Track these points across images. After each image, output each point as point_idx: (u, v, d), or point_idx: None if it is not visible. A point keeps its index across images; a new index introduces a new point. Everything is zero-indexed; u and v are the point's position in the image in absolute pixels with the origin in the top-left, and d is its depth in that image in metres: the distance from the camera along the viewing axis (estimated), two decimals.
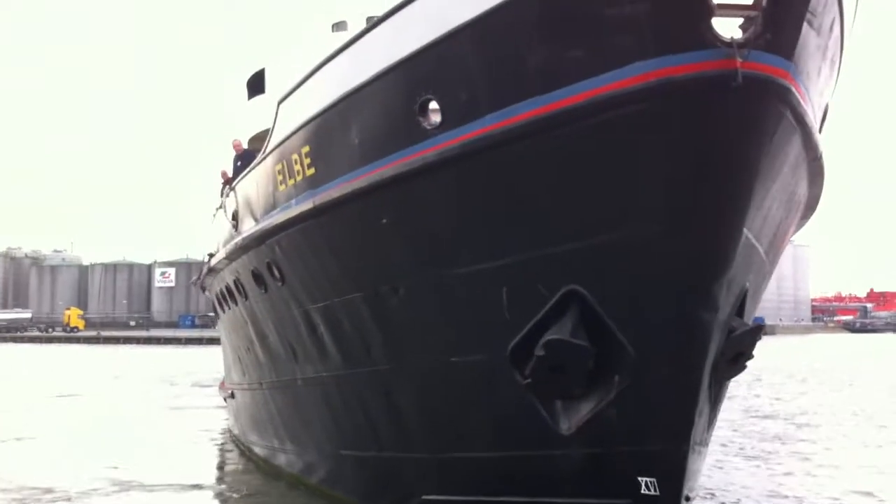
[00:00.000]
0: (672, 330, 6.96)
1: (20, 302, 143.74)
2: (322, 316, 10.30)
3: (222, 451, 20.05)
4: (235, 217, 12.20)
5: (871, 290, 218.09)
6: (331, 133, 8.73)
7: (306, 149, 9.10)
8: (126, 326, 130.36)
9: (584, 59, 6.51)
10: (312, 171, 9.10)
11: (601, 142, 6.65)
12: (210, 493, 14.32)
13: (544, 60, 6.70)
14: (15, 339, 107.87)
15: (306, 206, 9.22)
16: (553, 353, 7.16)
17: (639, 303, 6.99)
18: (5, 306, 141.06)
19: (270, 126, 10.29)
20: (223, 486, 15.66)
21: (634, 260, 6.89)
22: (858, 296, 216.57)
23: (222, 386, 25.10)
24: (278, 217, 10.07)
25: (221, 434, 23.40)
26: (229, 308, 14.83)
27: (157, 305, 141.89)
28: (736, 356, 7.61)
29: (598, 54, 6.46)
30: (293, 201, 9.64)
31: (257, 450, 16.78)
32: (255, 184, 11.05)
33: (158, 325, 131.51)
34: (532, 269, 7.34)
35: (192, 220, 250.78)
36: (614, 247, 6.90)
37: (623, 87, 6.35)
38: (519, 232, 7.34)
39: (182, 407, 29.38)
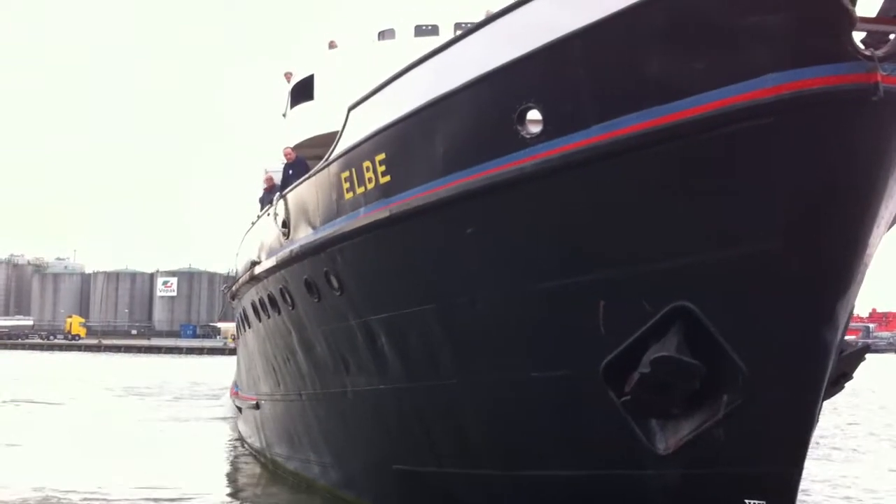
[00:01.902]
0: (794, 350, 6.75)
1: (22, 309, 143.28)
2: (384, 327, 10.08)
3: (237, 462, 19.85)
4: (286, 225, 11.98)
5: (874, 310, 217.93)
6: (412, 140, 8.54)
7: (381, 156, 8.90)
8: (127, 335, 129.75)
9: (710, 70, 6.35)
10: (387, 178, 8.89)
11: (723, 155, 6.47)
12: None
13: (665, 70, 6.53)
14: (16, 346, 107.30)
15: (380, 214, 9.00)
16: (661, 370, 6.95)
17: (757, 321, 6.78)
18: (7, 313, 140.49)
19: (338, 132, 10.12)
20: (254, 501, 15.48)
21: (754, 277, 6.68)
22: (861, 316, 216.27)
23: (234, 394, 24.90)
24: (343, 225, 9.86)
25: (229, 444, 23.21)
26: (268, 317, 14.60)
27: (159, 314, 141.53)
28: (838, 377, 7.42)
29: (726, 65, 6.30)
30: (362, 210, 9.44)
31: (285, 462, 16.55)
32: (314, 191, 10.84)
33: (159, 334, 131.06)
34: (636, 283, 7.14)
35: (194, 230, 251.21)
36: (732, 263, 6.70)
37: (753, 98, 6.19)
38: (622, 246, 7.15)
39: (185, 419, 29.25)
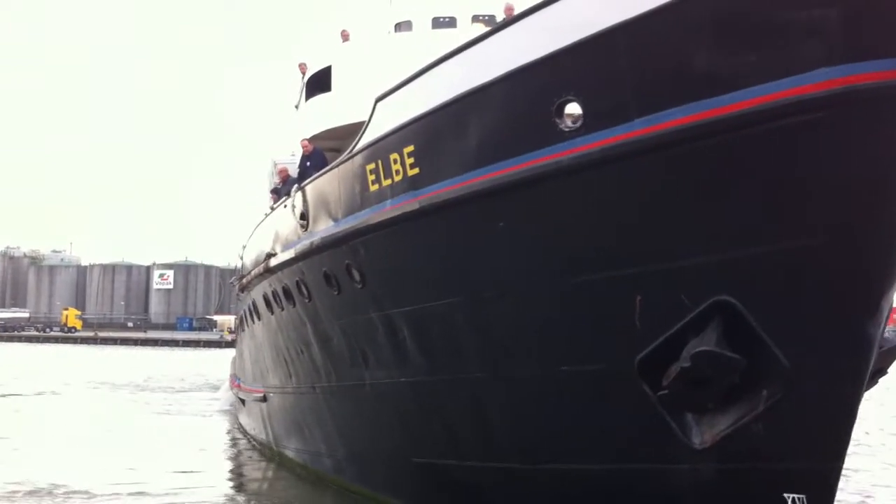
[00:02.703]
0: (837, 344, 6.72)
1: (18, 301, 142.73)
2: (407, 320, 10.03)
3: (241, 455, 19.79)
4: (305, 217, 11.91)
5: None
6: (444, 132, 8.48)
7: (410, 148, 8.84)
8: (123, 328, 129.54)
9: (759, 64, 6.32)
10: (416, 171, 8.83)
11: (770, 149, 6.43)
12: None
13: (712, 63, 6.48)
14: (12, 339, 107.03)
15: (409, 206, 8.95)
16: (702, 364, 6.92)
17: (801, 316, 6.75)
18: (3, 306, 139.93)
19: (356, 123, 10.03)
20: (265, 495, 15.43)
21: (798, 272, 6.65)
22: None
23: (237, 386, 24.78)
24: (367, 217, 9.80)
25: (230, 437, 23.14)
26: (281, 309, 14.52)
27: (155, 307, 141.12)
28: (873, 372, 7.40)
29: (776, 59, 6.27)
30: (388, 202, 9.38)
31: (293, 455, 16.50)
32: (336, 183, 10.77)
33: (156, 326, 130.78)
34: (676, 278, 7.10)
35: (191, 222, 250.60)
36: (776, 258, 6.66)
37: (803, 93, 6.17)
38: (662, 240, 7.11)
39: (183, 412, 29.15)
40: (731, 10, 6.40)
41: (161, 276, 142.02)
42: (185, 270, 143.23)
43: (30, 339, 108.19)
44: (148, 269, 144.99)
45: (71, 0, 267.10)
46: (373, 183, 9.62)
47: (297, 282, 12.72)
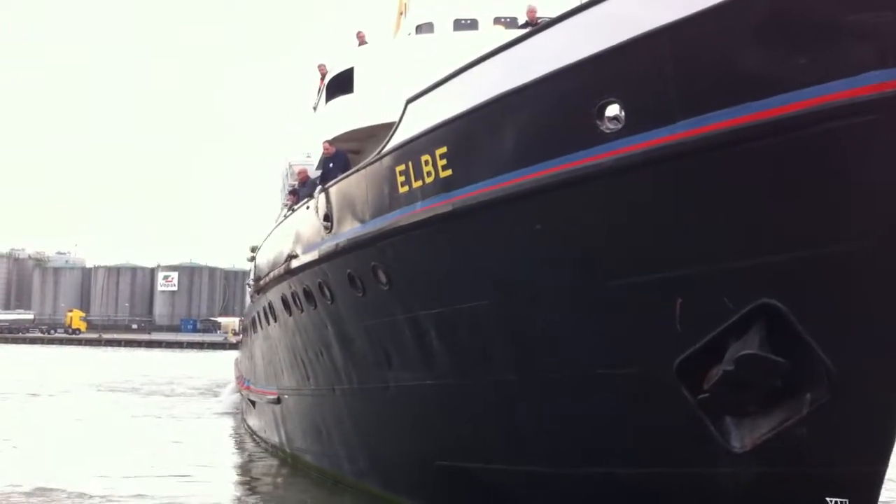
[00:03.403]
0: (884, 347, 6.67)
1: (23, 303, 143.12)
2: (436, 322, 9.99)
3: (252, 457, 19.74)
4: (329, 219, 11.88)
5: None
6: (479, 134, 8.44)
7: (442, 149, 8.81)
8: (128, 329, 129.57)
9: (809, 66, 6.28)
10: (449, 172, 8.80)
11: (819, 152, 6.39)
12: None
13: (761, 65, 6.45)
14: (16, 340, 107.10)
15: (441, 208, 8.91)
16: (746, 368, 6.88)
17: (847, 319, 6.71)
18: (8, 307, 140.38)
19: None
20: (279, 498, 15.39)
21: (845, 275, 6.62)
22: None
23: (247, 388, 24.69)
24: (396, 219, 9.77)
25: (238, 439, 23.07)
26: (301, 311, 14.49)
27: (160, 309, 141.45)
28: None
29: (827, 61, 6.24)
30: (418, 203, 9.35)
31: (309, 457, 16.45)
32: (362, 184, 10.74)
33: (160, 328, 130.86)
34: (719, 281, 7.07)
35: (195, 224, 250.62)
36: (823, 261, 6.63)
37: (854, 96, 6.14)
38: (705, 242, 7.07)
39: (188, 414, 29.04)
40: (781, 12, 6.37)
41: (165, 277, 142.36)
42: (189, 272, 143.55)
43: (34, 341, 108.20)
44: (152, 271, 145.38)
45: (71, 0, 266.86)
46: (402, 184, 9.58)
47: (320, 283, 12.67)
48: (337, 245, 11.49)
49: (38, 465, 16.71)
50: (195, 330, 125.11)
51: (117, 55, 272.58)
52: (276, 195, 27.64)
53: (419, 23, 15.32)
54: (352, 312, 12.07)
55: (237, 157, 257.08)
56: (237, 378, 32.51)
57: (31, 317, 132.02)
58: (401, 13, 23.02)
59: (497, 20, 14.72)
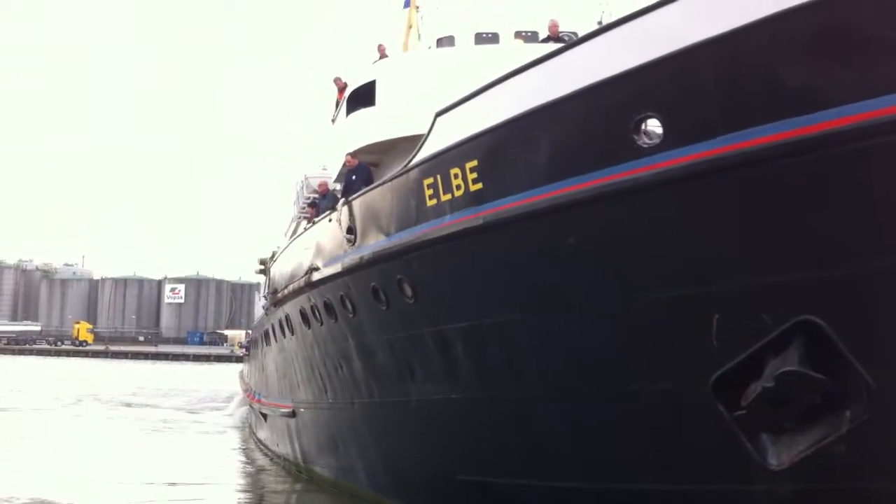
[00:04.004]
0: None
1: (30, 314, 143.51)
2: (463, 335, 9.95)
3: (264, 471, 19.67)
4: (352, 231, 11.88)
5: None
6: (511, 147, 8.42)
7: (473, 163, 8.79)
8: (135, 341, 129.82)
9: (854, 82, 6.26)
10: (479, 186, 8.78)
11: (862, 168, 6.38)
12: None
13: (805, 80, 6.43)
14: (23, 352, 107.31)
15: (471, 221, 8.88)
16: (787, 385, 6.84)
17: (889, 336, 6.66)
18: (15, 318, 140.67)
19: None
20: None
21: (887, 291, 6.57)
22: None
23: (258, 401, 24.60)
24: (424, 232, 9.74)
25: (248, 452, 22.99)
26: (320, 324, 14.46)
27: (166, 321, 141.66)
28: None
29: (872, 77, 6.21)
30: (447, 217, 9.33)
31: (325, 471, 16.38)
32: (388, 197, 10.73)
33: (167, 340, 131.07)
34: (757, 297, 7.02)
35: (201, 235, 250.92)
36: (865, 277, 6.59)
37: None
38: (745, 258, 7.03)
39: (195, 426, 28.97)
40: (826, 28, 6.34)
41: (172, 290, 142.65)
42: (196, 285, 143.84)
43: (41, 353, 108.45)
44: (159, 283, 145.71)
45: (71, 0, 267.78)
46: (430, 198, 9.56)
47: (342, 296, 12.64)
48: (361, 258, 11.47)
49: (41, 478, 16.67)
50: (202, 342, 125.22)
51: (117, 55, 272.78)
52: (289, 206, 27.64)
53: (440, 36, 15.38)
54: (375, 326, 12.03)
55: (237, 158, 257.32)
56: (245, 391, 32.42)
57: (38, 328, 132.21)
58: (410, 26, 23.16)
59: (518, 34, 14.78)
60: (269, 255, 34.05)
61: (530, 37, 14.61)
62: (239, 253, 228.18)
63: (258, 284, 51.71)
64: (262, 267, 35.87)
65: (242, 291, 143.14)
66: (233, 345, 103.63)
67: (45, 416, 31.07)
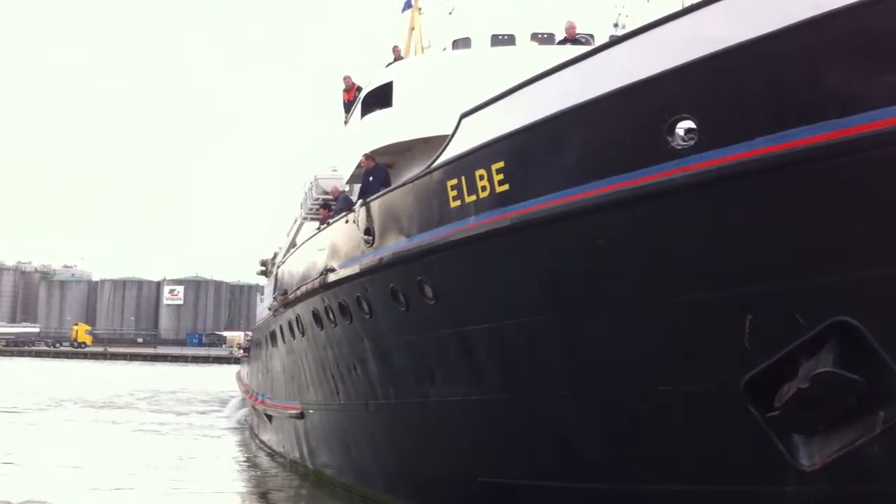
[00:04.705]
0: None
1: (29, 316, 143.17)
2: (486, 337, 9.93)
3: (270, 473, 19.62)
4: (370, 232, 11.85)
5: None
6: (540, 149, 8.43)
7: (499, 164, 8.79)
8: (133, 343, 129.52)
9: (894, 85, 6.27)
10: (506, 187, 8.78)
11: None
12: None
13: (845, 83, 6.45)
14: (22, 354, 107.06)
15: (498, 223, 8.89)
16: (822, 386, 6.84)
17: None
18: (14, 320, 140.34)
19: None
20: None
21: None
22: None
23: (261, 403, 24.49)
24: (447, 233, 9.73)
25: (251, 454, 22.90)
26: (333, 325, 14.43)
27: (165, 323, 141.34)
28: None
29: None
30: (472, 218, 9.33)
31: (335, 473, 16.35)
32: (410, 198, 10.73)
33: (165, 342, 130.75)
34: (792, 298, 7.03)
35: (200, 235, 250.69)
36: None
37: None
38: (780, 259, 7.04)
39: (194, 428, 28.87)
40: (867, 30, 6.36)
41: (171, 291, 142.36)
42: (195, 286, 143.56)
43: (39, 354, 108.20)
44: (158, 285, 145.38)
45: (71, 0, 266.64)
46: (454, 199, 9.55)
47: (358, 297, 12.63)
48: (381, 259, 11.45)
49: (39, 482, 16.53)
50: (200, 344, 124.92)
51: (117, 55, 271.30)
52: (289, 207, 27.66)
53: (456, 38, 15.38)
54: (392, 327, 12.01)
55: (237, 158, 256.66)
56: (246, 392, 32.17)
57: (37, 330, 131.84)
58: (412, 28, 23.14)
59: (534, 36, 14.80)
60: (271, 256, 34.12)
61: (546, 39, 14.63)
62: (238, 254, 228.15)
63: (258, 286, 51.73)
64: (264, 268, 35.97)
65: (241, 293, 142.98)
66: (232, 346, 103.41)
67: (39, 418, 30.86)
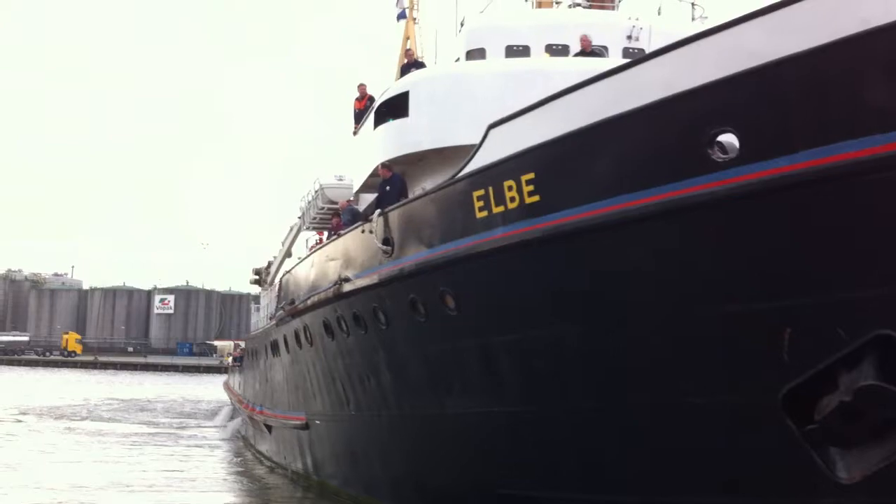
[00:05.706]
0: None
1: (19, 325, 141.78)
2: (510, 348, 9.91)
3: (270, 484, 19.44)
4: (389, 242, 11.82)
5: None
6: (573, 160, 8.44)
7: (529, 175, 8.80)
8: (124, 352, 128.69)
9: None
10: (536, 198, 8.78)
11: None
12: None
13: (887, 98, 6.49)
14: (11, 363, 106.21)
15: (528, 234, 8.88)
16: (865, 399, 6.85)
17: None
18: (4, 329, 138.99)
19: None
20: None
21: None
22: None
23: (260, 413, 24.25)
24: (474, 244, 9.72)
25: (247, 464, 22.68)
26: (346, 335, 14.36)
27: (156, 332, 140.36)
28: None
29: None
30: (499, 229, 9.32)
31: (341, 484, 16.25)
32: (432, 209, 10.71)
33: (156, 351, 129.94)
34: (833, 311, 7.04)
35: (192, 247, 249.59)
36: None
37: None
38: (821, 272, 7.05)
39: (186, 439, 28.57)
40: None
41: (162, 300, 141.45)
42: (185, 295, 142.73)
43: (29, 363, 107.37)
44: (149, 294, 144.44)
45: (71, 0, 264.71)
46: (481, 210, 9.54)
47: (374, 307, 12.58)
48: (401, 269, 11.41)
49: (34, 497, 16.31)
50: (191, 353, 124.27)
51: (117, 55, 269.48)
52: (283, 217, 27.54)
53: (470, 48, 15.38)
54: (410, 337, 11.96)
55: (233, 161, 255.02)
56: (241, 402, 31.69)
57: (26, 339, 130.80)
58: (407, 37, 23.17)
59: (549, 47, 14.83)
60: (265, 265, 33.90)
61: (560, 50, 14.66)
62: (229, 263, 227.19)
63: (250, 294, 51.31)
64: (257, 277, 35.75)
65: (232, 302, 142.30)
66: (222, 356, 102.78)
67: (30, 429, 30.45)
